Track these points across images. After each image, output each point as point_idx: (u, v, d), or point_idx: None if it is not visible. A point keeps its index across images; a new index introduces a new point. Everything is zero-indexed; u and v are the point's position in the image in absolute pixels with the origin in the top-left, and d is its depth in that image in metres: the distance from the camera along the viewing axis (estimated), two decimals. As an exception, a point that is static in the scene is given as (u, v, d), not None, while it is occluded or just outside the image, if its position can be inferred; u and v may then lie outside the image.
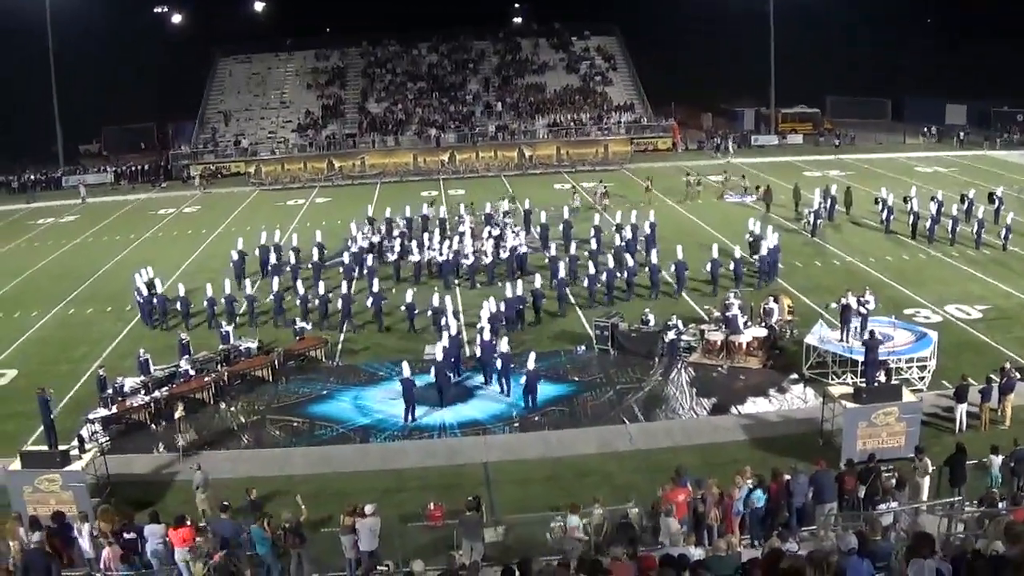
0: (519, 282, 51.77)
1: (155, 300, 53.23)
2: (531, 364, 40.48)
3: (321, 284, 52.45)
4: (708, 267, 53.82)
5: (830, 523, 27.33)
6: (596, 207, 75.12)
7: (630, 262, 54.88)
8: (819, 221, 66.57)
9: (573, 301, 52.31)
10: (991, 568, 17.15)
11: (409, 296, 49.93)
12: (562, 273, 52.30)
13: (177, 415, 38.24)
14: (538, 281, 52.59)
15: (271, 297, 52.00)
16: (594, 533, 26.91)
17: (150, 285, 54.68)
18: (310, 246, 61.32)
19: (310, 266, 58.89)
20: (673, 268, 53.72)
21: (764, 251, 55.97)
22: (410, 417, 39.44)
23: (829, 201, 69.39)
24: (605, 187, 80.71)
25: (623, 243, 59.65)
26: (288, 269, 58.51)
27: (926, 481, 29.17)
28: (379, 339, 49.20)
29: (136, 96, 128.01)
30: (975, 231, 60.95)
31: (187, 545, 26.28)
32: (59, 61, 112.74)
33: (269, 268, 60.02)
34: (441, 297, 49.12)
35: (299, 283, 54.03)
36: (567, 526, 26.60)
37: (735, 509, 27.61)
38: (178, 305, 51.98)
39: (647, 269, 54.20)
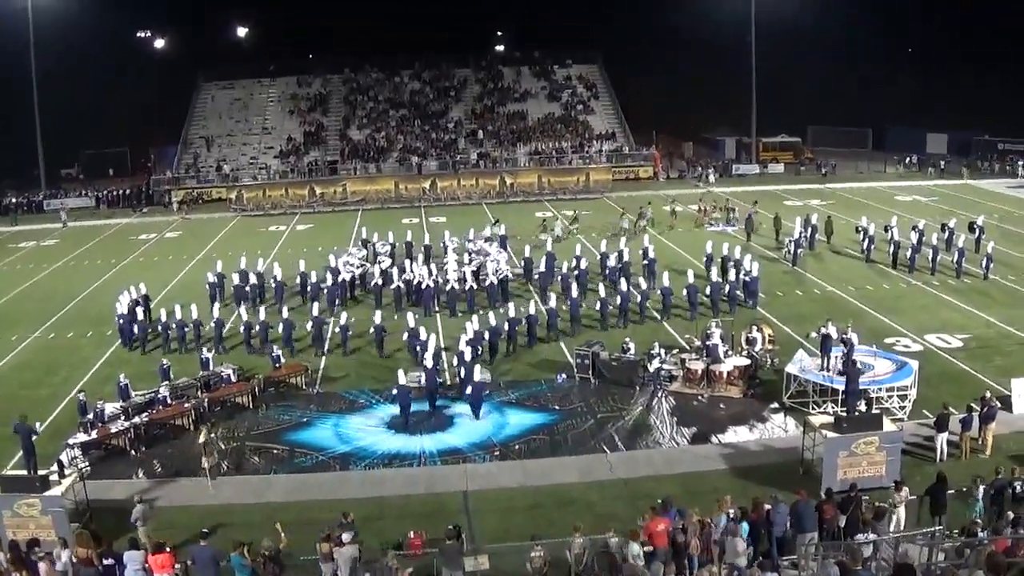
0: (502, 309, 51.85)
1: (136, 323, 53.31)
2: (477, 376, 41.75)
3: (315, 306, 52.70)
4: (684, 292, 54.12)
5: (811, 553, 27.32)
6: (561, 235, 75.39)
7: (623, 288, 54.73)
8: (799, 250, 66.66)
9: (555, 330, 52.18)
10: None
11: (378, 318, 50.23)
12: (553, 303, 52.46)
13: (202, 439, 37.76)
14: (512, 311, 52.47)
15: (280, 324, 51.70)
16: (575, 563, 26.87)
17: (137, 303, 55.18)
18: (294, 272, 61.31)
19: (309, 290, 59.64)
20: (659, 294, 54.15)
21: (732, 276, 56.85)
22: (406, 422, 40.77)
23: (810, 230, 69.61)
24: (575, 216, 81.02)
25: (607, 271, 60.38)
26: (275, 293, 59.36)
27: (901, 511, 29.21)
28: (359, 366, 49.14)
29: (117, 120, 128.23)
30: (955, 260, 61.31)
31: (166, 571, 26.20)
32: (42, 84, 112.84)
33: (248, 293, 59.92)
34: (417, 324, 49.19)
35: (284, 309, 53.74)
36: (629, 554, 26.49)
37: (714, 538, 27.58)
38: (159, 327, 52.17)
39: (657, 293, 55.04)
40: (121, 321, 53.76)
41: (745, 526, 27.48)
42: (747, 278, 56.46)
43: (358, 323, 52.59)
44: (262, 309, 55.21)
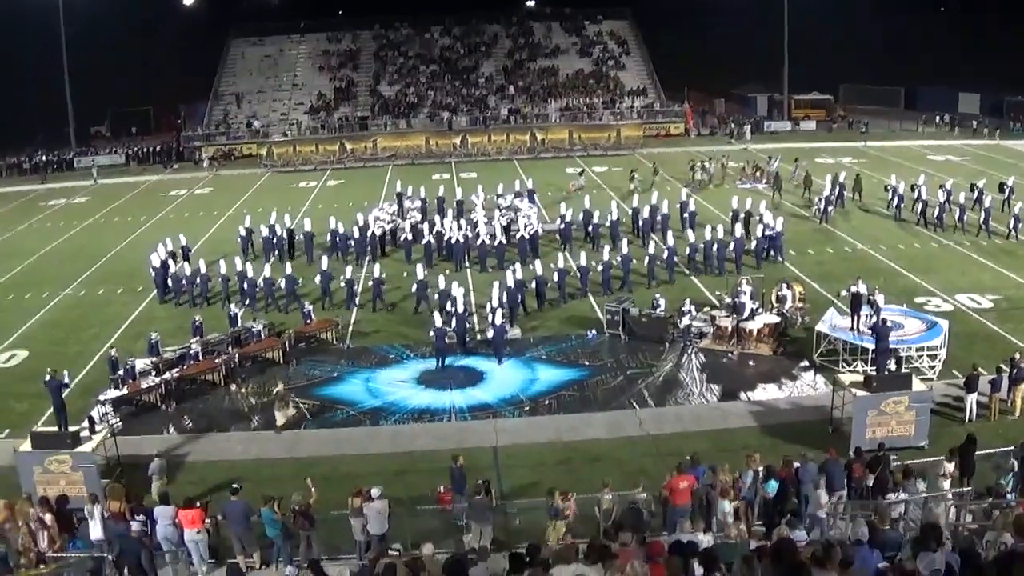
0: (531, 265, 51.84)
1: (169, 276, 53.81)
2: (498, 320, 42.96)
3: (348, 268, 53.03)
4: (714, 248, 54.14)
5: (839, 512, 27.31)
6: (570, 194, 75.14)
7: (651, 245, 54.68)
8: (829, 208, 66.46)
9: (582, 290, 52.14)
10: (1000, 563, 17.11)
11: (420, 274, 50.11)
12: (584, 260, 52.49)
13: (278, 389, 38.44)
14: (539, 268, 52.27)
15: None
16: (603, 518, 26.93)
17: (172, 255, 55.93)
18: (324, 228, 61.50)
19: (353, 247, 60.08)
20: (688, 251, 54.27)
21: (759, 232, 56.65)
22: (441, 365, 41.86)
23: (838, 188, 69.17)
24: (655, 168, 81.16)
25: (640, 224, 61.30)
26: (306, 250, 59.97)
27: (947, 484, 28.98)
28: (389, 321, 49.24)
29: (147, 78, 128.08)
30: (982, 219, 60.94)
31: (196, 526, 26.37)
32: (71, 42, 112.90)
33: (275, 247, 60.59)
34: (448, 280, 49.10)
35: (324, 259, 54.01)
36: (719, 511, 26.59)
37: (743, 495, 27.58)
38: (184, 282, 52.59)
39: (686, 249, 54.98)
40: (154, 274, 54.17)
41: (773, 483, 27.48)
42: (771, 233, 56.36)
43: (388, 279, 52.39)
44: (288, 265, 55.02)
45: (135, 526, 25.97)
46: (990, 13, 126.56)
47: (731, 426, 36.30)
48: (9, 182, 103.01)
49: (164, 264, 54.48)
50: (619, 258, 52.56)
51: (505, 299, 47.41)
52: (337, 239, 60.39)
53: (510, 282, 48.64)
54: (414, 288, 49.57)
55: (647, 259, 53.20)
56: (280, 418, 37.41)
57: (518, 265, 51.91)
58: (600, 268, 51.76)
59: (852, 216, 67.98)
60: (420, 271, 50.32)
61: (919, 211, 64.39)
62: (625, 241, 54.62)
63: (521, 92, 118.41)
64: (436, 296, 48.25)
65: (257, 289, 51.51)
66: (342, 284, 51.33)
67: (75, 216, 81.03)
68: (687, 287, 51.93)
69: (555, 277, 51.21)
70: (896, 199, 66.74)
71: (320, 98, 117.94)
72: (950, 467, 28.78)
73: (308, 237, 60.16)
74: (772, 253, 56.35)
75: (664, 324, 44.60)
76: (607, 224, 60.51)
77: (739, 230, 56.68)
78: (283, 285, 51.12)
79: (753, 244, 56.01)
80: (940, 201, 63.61)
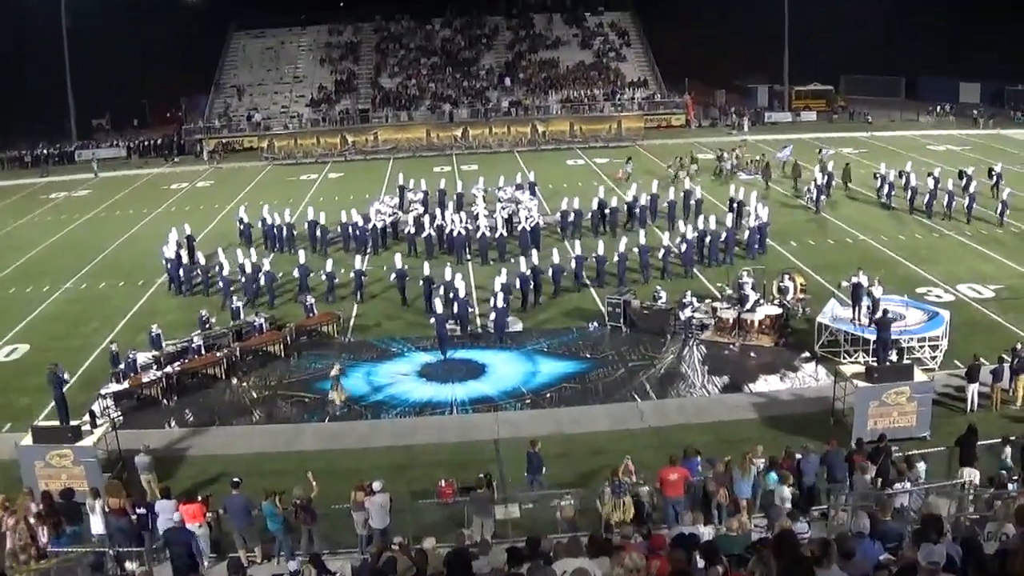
0: (531, 257, 51.82)
1: (182, 267, 54.20)
2: (500, 303, 43.54)
3: (357, 259, 53.08)
4: (707, 240, 54.38)
5: (841, 503, 27.31)
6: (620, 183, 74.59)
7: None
8: (822, 197, 66.78)
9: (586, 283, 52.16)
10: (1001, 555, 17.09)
11: (427, 269, 49.89)
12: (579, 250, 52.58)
13: (333, 372, 38.83)
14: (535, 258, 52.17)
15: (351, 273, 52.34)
16: (605, 512, 26.93)
17: (180, 245, 56.07)
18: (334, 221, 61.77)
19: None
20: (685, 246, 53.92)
21: (750, 222, 56.86)
22: (443, 351, 42.21)
23: (825, 177, 69.10)
24: (693, 158, 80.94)
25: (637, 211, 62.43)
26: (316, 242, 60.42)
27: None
28: (391, 314, 49.26)
29: (148, 71, 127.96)
30: (967, 205, 61.63)
31: (197, 521, 26.38)
32: (73, 35, 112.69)
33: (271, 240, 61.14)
34: (450, 273, 49.01)
35: (329, 262, 53.65)
36: (777, 496, 26.60)
37: (742, 490, 27.55)
38: (222, 269, 52.58)
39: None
40: (169, 265, 54.41)
41: (773, 476, 27.46)
42: (759, 223, 56.53)
43: (387, 272, 52.36)
44: (301, 253, 55.02)
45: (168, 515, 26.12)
46: (991, 2, 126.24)
47: (733, 418, 36.35)
48: (10, 175, 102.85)
49: (178, 256, 54.76)
50: (636, 248, 52.75)
51: (518, 285, 48.31)
52: (350, 230, 60.39)
53: (524, 268, 49.15)
54: (421, 283, 49.43)
55: (662, 251, 53.03)
56: (336, 398, 38.18)
57: (535, 252, 52.37)
58: (616, 259, 51.79)
59: (841, 205, 68.21)
60: (427, 267, 50.18)
61: (908, 198, 64.89)
62: (643, 232, 54.77)
63: (522, 84, 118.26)
64: (440, 287, 48.15)
65: (257, 284, 51.46)
66: (350, 275, 51.52)
67: (76, 209, 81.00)
68: (689, 279, 51.99)
69: (572, 265, 51.69)
70: (887, 187, 67.21)
71: (321, 91, 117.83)
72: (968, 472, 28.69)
73: (312, 226, 60.55)
74: (760, 245, 56.42)
75: (666, 316, 44.57)
76: (664, 205, 62.73)
77: (729, 220, 56.66)
78: (297, 273, 51.16)
79: (746, 235, 56.16)
80: (930, 188, 63.84)
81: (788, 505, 26.10)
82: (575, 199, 61.95)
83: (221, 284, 51.75)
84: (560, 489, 29.19)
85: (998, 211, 60.68)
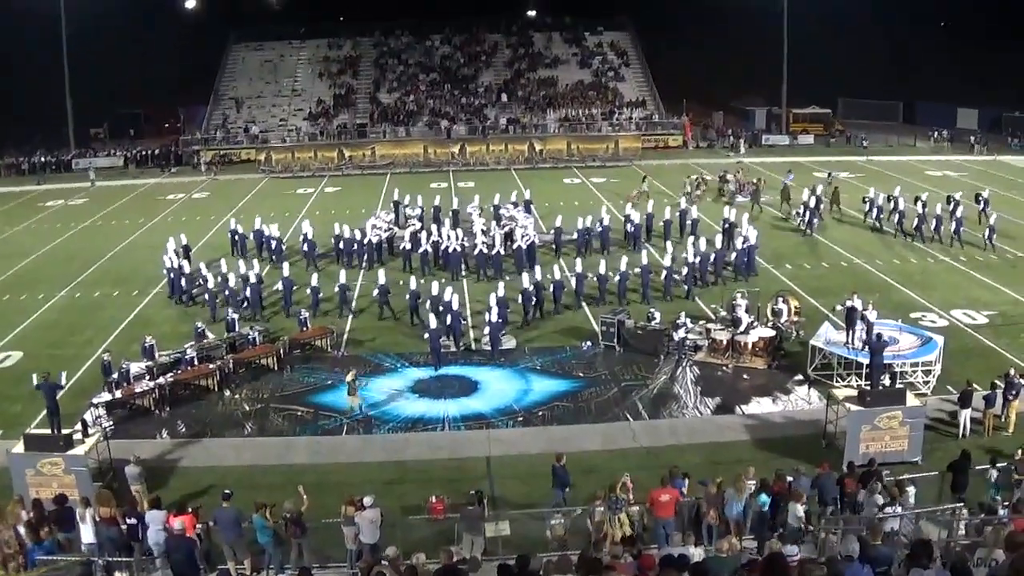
0: (527, 274, 51.83)
1: (183, 276, 54.25)
2: (494, 317, 43.73)
3: (342, 273, 53.23)
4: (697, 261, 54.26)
5: (831, 527, 27.31)
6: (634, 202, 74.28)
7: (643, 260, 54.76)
8: (815, 220, 67.15)
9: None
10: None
11: (413, 284, 50.03)
12: (580, 268, 52.63)
13: (349, 377, 39.14)
14: (538, 274, 52.34)
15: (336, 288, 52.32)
16: (595, 531, 26.94)
17: (177, 254, 56.30)
18: (327, 234, 61.81)
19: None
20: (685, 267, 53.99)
21: (739, 244, 56.91)
22: (437, 365, 42.74)
23: (814, 200, 69.05)
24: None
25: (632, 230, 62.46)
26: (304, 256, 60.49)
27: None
28: (384, 329, 49.24)
29: (146, 81, 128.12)
30: (954, 229, 62.15)
31: (188, 532, 26.32)
32: (72, 44, 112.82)
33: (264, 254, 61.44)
34: (442, 287, 49.09)
35: (315, 276, 53.70)
36: (792, 515, 26.61)
37: (734, 512, 27.55)
38: (207, 282, 52.57)
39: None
40: (172, 275, 54.46)
41: (764, 497, 27.46)
42: (747, 246, 56.64)
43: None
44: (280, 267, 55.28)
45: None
46: (989, 29, 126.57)
47: (725, 439, 36.32)
48: (7, 182, 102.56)
49: (179, 264, 54.95)
50: (638, 268, 52.83)
51: (520, 300, 48.70)
52: (341, 244, 60.40)
53: (526, 283, 49.36)
54: (407, 297, 49.62)
55: (664, 273, 53.20)
56: (352, 403, 38.75)
57: (538, 268, 53.03)
58: (617, 278, 51.89)
59: (831, 228, 68.62)
60: (412, 282, 50.31)
61: (897, 222, 65.31)
62: (644, 253, 54.97)
63: (520, 102, 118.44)
64: (428, 303, 48.15)
65: (244, 296, 51.51)
66: (335, 291, 51.43)
67: (72, 218, 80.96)
68: (682, 300, 52.04)
69: (572, 282, 51.88)
70: (875, 211, 67.88)
71: (319, 104, 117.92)
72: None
73: (306, 240, 60.47)
74: (747, 267, 56.59)
75: (659, 336, 44.60)
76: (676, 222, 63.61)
77: (719, 241, 56.91)
78: (280, 286, 51.35)
79: (733, 256, 56.27)
80: (919, 212, 64.33)
81: (802, 524, 26.18)
82: (587, 217, 62.51)
83: (207, 296, 51.79)
84: (551, 508, 29.16)
85: (985, 235, 61.12)
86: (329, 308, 51.67)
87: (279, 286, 51.92)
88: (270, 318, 50.90)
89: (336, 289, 51.47)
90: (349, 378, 39.11)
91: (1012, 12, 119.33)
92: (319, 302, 50.93)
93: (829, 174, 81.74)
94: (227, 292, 51.16)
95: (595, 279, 52.07)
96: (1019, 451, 30.15)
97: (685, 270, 52.93)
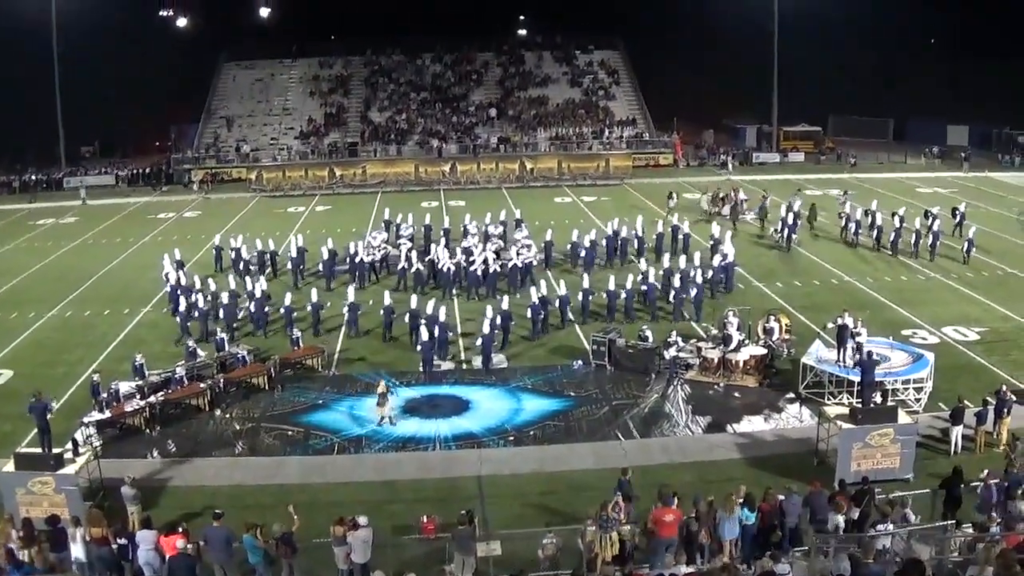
0: (518, 294, 51.89)
1: (180, 290, 54.11)
2: (486, 328, 44.47)
3: (313, 292, 52.96)
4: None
5: (822, 545, 27.27)
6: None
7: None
8: (793, 236, 67.69)
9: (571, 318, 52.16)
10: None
11: (414, 303, 49.85)
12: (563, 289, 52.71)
13: (380, 389, 39.45)
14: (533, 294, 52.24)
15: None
16: (586, 551, 26.86)
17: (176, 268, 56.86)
18: (317, 253, 61.72)
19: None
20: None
21: (717, 262, 57.08)
22: (427, 371, 43.85)
23: (791, 216, 69.26)
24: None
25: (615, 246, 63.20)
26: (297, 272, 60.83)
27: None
28: (376, 349, 49.18)
29: (137, 100, 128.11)
30: (931, 243, 63.03)
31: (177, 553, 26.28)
32: (63, 62, 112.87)
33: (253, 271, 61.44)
34: (436, 306, 49.15)
35: (314, 291, 53.53)
36: (831, 524, 26.58)
37: (726, 531, 27.49)
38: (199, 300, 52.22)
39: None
40: (178, 291, 54.28)
41: (748, 513, 27.40)
42: (726, 263, 56.93)
43: (375, 306, 52.44)
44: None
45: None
46: (979, 46, 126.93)
47: (716, 458, 36.25)
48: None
49: (179, 279, 55.07)
50: (644, 287, 53.11)
51: (528, 315, 49.36)
52: (321, 265, 60.63)
53: (533, 298, 49.71)
54: (380, 313, 50.09)
55: (672, 292, 52.84)
56: (379, 412, 39.26)
57: (543, 283, 53.21)
58: (623, 296, 52.14)
59: (807, 243, 69.11)
60: (387, 296, 50.49)
61: (874, 236, 66.34)
62: (652, 270, 54.71)
63: (511, 121, 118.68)
64: (423, 321, 48.01)
65: (243, 314, 51.48)
66: (307, 308, 51.48)
67: (63, 236, 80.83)
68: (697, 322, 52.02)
69: (579, 297, 51.97)
70: (852, 225, 68.47)
71: (310, 123, 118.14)
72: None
73: (298, 258, 60.85)
74: (725, 284, 56.89)
75: (650, 355, 44.53)
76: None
77: (697, 259, 57.21)
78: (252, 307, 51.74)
79: (710, 274, 56.07)
80: (896, 227, 65.01)
81: (841, 532, 26.19)
82: (586, 233, 62.96)
83: (197, 314, 51.61)
84: (543, 528, 29.09)
85: (963, 249, 61.99)
86: (332, 327, 51.78)
87: (251, 307, 51.98)
88: (274, 333, 51.00)
89: (309, 308, 51.37)
90: (381, 389, 39.29)
91: (1002, 29, 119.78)
92: (292, 321, 50.48)
93: (844, 192, 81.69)
94: (220, 310, 51.16)
95: (604, 295, 52.13)
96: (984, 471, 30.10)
97: (695, 290, 52.71)
